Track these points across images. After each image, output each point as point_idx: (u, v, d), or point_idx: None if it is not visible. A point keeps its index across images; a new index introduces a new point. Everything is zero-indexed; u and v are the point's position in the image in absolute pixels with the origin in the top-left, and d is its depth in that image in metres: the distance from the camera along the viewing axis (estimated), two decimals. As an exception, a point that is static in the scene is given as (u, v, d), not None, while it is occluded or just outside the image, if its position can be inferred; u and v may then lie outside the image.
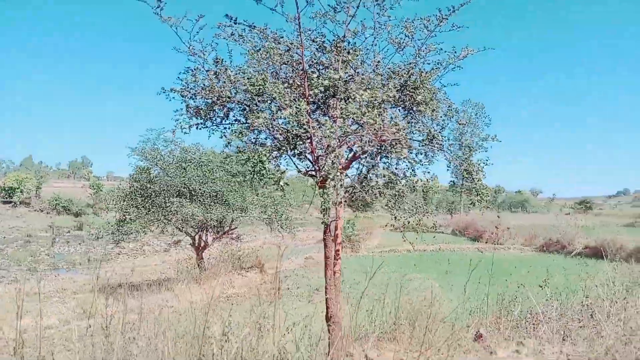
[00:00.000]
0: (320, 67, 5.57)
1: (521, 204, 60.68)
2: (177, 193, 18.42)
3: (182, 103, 5.57)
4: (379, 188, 5.25)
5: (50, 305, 15.58)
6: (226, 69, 5.18)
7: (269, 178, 5.00)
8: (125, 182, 20.74)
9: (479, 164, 5.73)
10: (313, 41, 5.52)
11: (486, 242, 33.02)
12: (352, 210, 59.30)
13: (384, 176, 5.19)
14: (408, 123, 5.44)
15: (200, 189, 18.32)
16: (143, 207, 18.75)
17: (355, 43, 5.54)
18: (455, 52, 5.48)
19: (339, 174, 4.39)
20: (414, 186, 5.72)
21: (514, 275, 8.32)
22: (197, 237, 20.61)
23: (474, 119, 51.78)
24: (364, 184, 5.62)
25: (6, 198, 63.68)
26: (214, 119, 5.53)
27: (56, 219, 57.51)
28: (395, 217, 5.64)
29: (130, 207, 18.78)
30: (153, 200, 18.68)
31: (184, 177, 18.24)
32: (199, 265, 20.20)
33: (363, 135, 4.79)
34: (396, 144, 4.98)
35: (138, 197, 19.07)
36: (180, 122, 5.45)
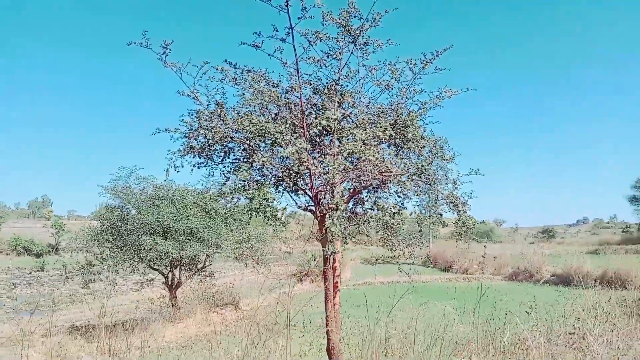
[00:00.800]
0: (315, 108, 5.85)
1: (487, 234, 61.95)
2: (151, 231, 18.16)
3: (175, 142, 5.74)
4: (382, 221, 5.44)
5: (20, 350, 14.90)
6: (233, 110, 5.40)
7: (272, 215, 5.16)
8: (95, 222, 20.32)
9: (463, 197, 6.05)
10: (309, 84, 5.81)
11: (455, 272, 33.50)
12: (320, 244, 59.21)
13: (386, 209, 5.41)
14: (400, 159, 5.73)
15: (174, 226, 18.12)
16: (115, 246, 18.40)
17: (347, 85, 5.88)
18: (441, 93, 5.87)
19: (344, 207, 4.61)
20: (402, 220, 5.98)
21: (496, 302, 8.60)
22: (170, 275, 20.24)
23: (435, 149, 52.65)
24: (365, 218, 5.84)
25: (-38, 240, 60.93)
26: (214, 158, 5.70)
27: (16, 260, 55.26)
28: (391, 249, 5.85)
29: (101, 246, 18.40)
30: (125, 239, 18.36)
31: (157, 214, 18.04)
32: (172, 304, 19.76)
33: (365, 171, 5.04)
34: (394, 178, 5.25)
35: (109, 236, 18.73)
36: (174, 161, 5.60)
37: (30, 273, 47.36)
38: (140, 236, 17.84)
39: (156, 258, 18.17)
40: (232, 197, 5.40)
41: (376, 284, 28.20)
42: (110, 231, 18.86)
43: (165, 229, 18.33)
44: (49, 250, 61.59)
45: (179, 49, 5.27)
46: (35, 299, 29.98)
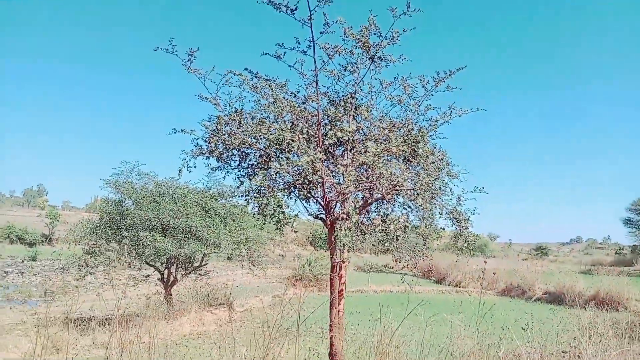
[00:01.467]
0: (331, 119, 6.04)
1: (480, 249, 62.10)
2: (150, 227, 18.26)
3: (192, 143, 5.92)
4: (390, 232, 5.61)
5: (13, 339, 14.96)
6: (249, 115, 5.58)
7: (286, 222, 5.34)
8: (94, 214, 20.42)
9: (466, 213, 6.23)
10: (326, 96, 6.00)
11: (449, 285, 33.71)
12: (314, 249, 59.29)
13: (395, 221, 5.58)
14: (409, 173, 5.92)
15: (173, 224, 18.22)
16: (113, 240, 18.47)
17: (361, 99, 6.07)
18: (451, 111, 6.08)
19: (357, 218, 4.78)
20: (404, 228, 6.16)
21: (492, 317, 8.76)
22: (166, 272, 20.32)
23: (442, 164, 53.08)
24: (372, 228, 6.01)
25: (-45, 226, 60.72)
26: (231, 162, 5.87)
27: (8, 248, 55.08)
28: (397, 260, 6.02)
29: (99, 239, 18.47)
30: (123, 234, 18.44)
31: (157, 211, 18.13)
32: (167, 301, 19.82)
33: (378, 184, 5.22)
34: (404, 192, 5.43)
35: (108, 230, 18.81)
36: (187, 162, 5.77)
37: (23, 262, 47.24)
38: (139, 232, 17.93)
39: (154, 254, 18.24)
40: (249, 199, 5.57)
41: (369, 292, 28.34)
42: (109, 225, 18.95)
43: (165, 226, 18.43)
44: (42, 240, 61.41)
45: (201, 56, 5.45)
46: (27, 288, 29.92)
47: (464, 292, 30.01)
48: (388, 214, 5.93)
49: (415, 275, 37.93)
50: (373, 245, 6.22)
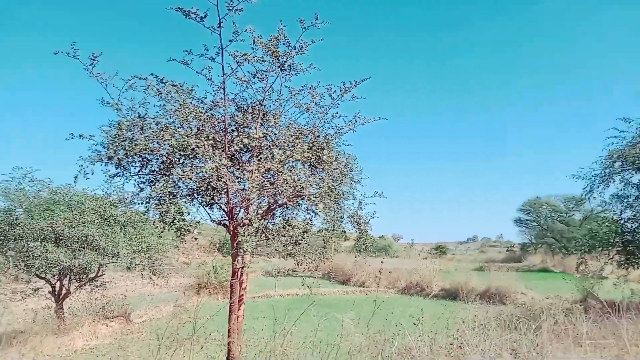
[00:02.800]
0: (238, 126, 6.06)
1: (385, 249, 64.39)
2: (42, 237, 16.94)
3: (89, 149, 5.66)
4: (292, 237, 5.74)
5: None
6: (153, 121, 5.44)
7: (186, 229, 5.27)
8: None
9: (367, 217, 6.55)
10: (234, 102, 6.02)
11: (353, 285, 34.64)
12: (222, 255, 58.20)
13: (297, 226, 5.71)
14: (313, 179, 6.10)
15: (68, 233, 17.03)
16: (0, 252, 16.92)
17: (269, 107, 6.17)
18: (356, 120, 6.37)
19: (258, 224, 4.84)
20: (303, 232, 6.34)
21: (389, 314, 9.21)
22: (58, 285, 18.93)
23: (355, 169, 54.41)
24: (276, 233, 6.09)
25: None
26: (130, 169, 5.68)
27: None
28: (298, 263, 6.15)
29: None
30: (9, 245, 16.94)
31: (51, 219, 16.87)
32: (58, 315, 18.46)
33: (281, 190, 5.32)
34: (307, 197, 5.59)
35: (-8, 240, 17.18)
36: (84, 168, 5.52)
37: None
38: (29, 242, 16.55)
39: (45, 266, 16.93)
40: (149, 206, 5.43)
41: (276, 296, 28.34)
42: (-6, 235, 17.30)
43: (59, 236, 17.18)
44: None
45: (105, 61, 5.26)
46: None
47: (368, 291, 31.01)
48: (288, 220, 6.06)
49: (321, 278, 38.52)
50: (276, 250, 6.32)
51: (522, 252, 58.37)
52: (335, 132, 6.45)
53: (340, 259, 41.32)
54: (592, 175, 16.00)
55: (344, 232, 6.67)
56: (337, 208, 6.51)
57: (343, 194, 6.57)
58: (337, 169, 6.22)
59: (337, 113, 6.40)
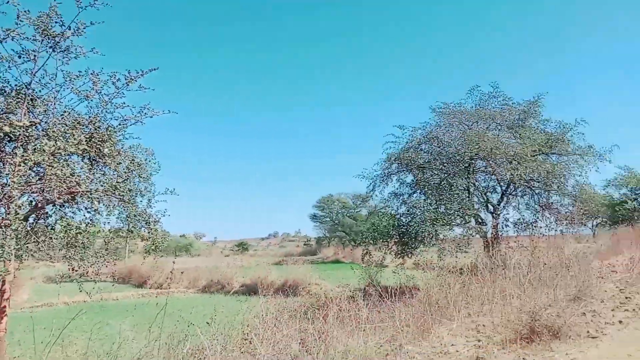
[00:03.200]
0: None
1: (186, 248, 62.95)
2: None
3: None
4: (67, 238, 5.14)
5: None
6: None
7: None
8: None
9: (157, 215, 6.26)
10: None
11: (150, 288, 33.04)
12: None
13: (70, 226, 5.14)
14: (93, 174, 5.57)
15: None
16: None
17: (40, 91, 5.43)
18: (144, 112, 5.99)
19: (18, 225, 4.22)
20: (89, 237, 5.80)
21: (183, 315, 8.96)
22: None
23: (143, 164, 51.42)
24: (46, 235, 5.39)
25: None
26: None
27: None
28: (73, 268, 5.57)
29: None
30: None
31: None
32: None
33: (51, 186, 4.71)
34: (84, 194, 5.07)
35: None
36: None
37: None
38: None
39: None
40: None
41: (59, 304, 25.39)
42: None
43: None
44: None
45: None
46: None
47: (165, 293, 29.84)
48: (57, 220, 5.45)
49: (117, 282, 35.86)
50: (47, 254, 5.61)
51: (317, 246, 62.87)
52: (120, 124, 5.97)
53: (137, 261, 39.06)
54: (374, 176, 18.10)
55: (131, 231, 6.27)
56: (126, 207, 6.08)
57: (130, 191, 6.15)
58: (120, 163, 5.76)
59: (124, 103, 5.93)
